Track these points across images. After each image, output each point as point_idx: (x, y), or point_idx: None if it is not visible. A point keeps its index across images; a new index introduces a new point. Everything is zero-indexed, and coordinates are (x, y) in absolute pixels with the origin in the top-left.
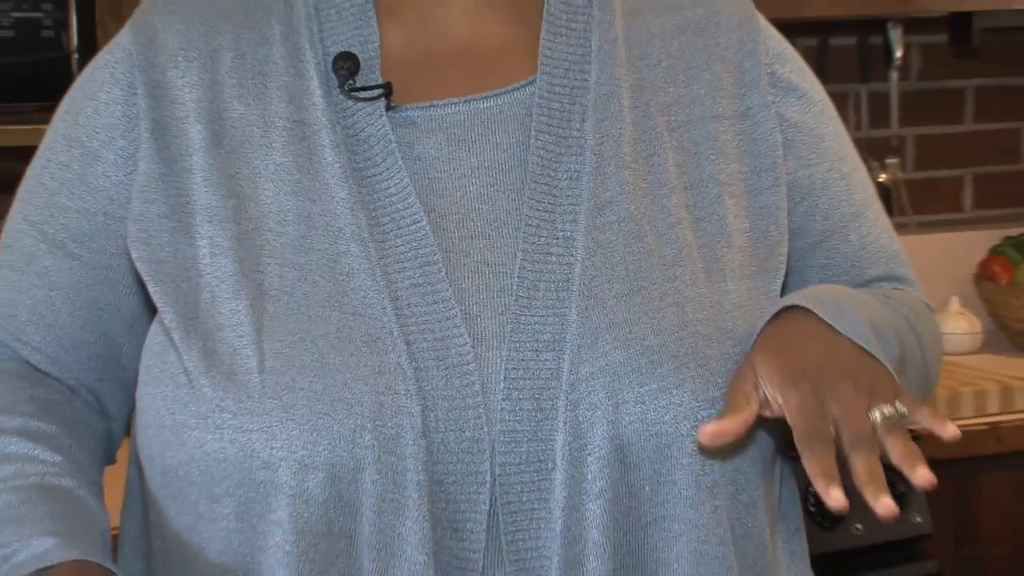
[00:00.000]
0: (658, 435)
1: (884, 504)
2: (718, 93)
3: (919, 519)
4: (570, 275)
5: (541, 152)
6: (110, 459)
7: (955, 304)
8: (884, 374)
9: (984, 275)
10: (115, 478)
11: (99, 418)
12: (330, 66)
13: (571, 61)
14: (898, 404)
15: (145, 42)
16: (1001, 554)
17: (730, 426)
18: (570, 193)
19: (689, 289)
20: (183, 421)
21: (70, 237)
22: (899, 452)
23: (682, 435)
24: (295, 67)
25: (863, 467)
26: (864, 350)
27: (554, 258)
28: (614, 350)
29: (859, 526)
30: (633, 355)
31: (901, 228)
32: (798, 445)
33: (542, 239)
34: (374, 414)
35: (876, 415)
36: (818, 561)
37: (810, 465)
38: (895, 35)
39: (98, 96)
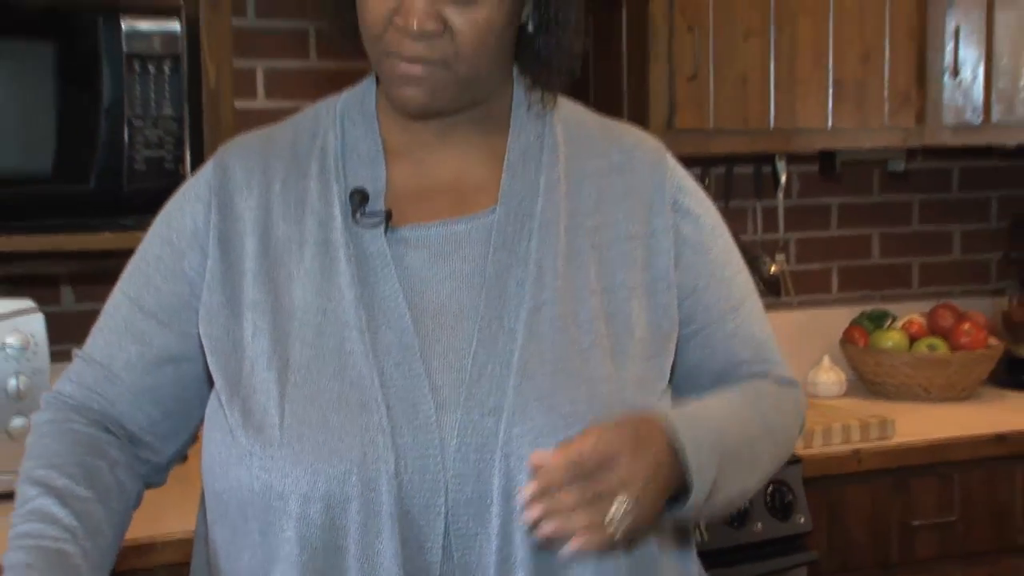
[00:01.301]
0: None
1: (541, 531)
2: (632, 218)
3: (802, 520)
4: (511, 359)
5: (496, 264)
6: (138, 503)
7: (826, 361)
8: (661, 491)
9: (847, 340)
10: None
11: (136, 478)
12: (348, 198)
13: (523, 195)
14: (627, 509)
15: (220, 174)
16: (862, 546)
17: (552, 458)
18: (516, 295)
19: (599, 370)
20: (226, 460)
21: (160, 310)
22: (580, 522)
23: None
24: (325, 197)
25: (568, 498)
26: (680, 469)
27: (500, 345)
28: (539, 415)
29: (759, 525)
30: (553, 419)
31: (786, 305)
32: (556, 452)
33: (492, 331)
34: (360, 461)
35: (619, 497)
36: (728, 552)
37: (541, 480)
38: (781, 166)
39: (185, 209)
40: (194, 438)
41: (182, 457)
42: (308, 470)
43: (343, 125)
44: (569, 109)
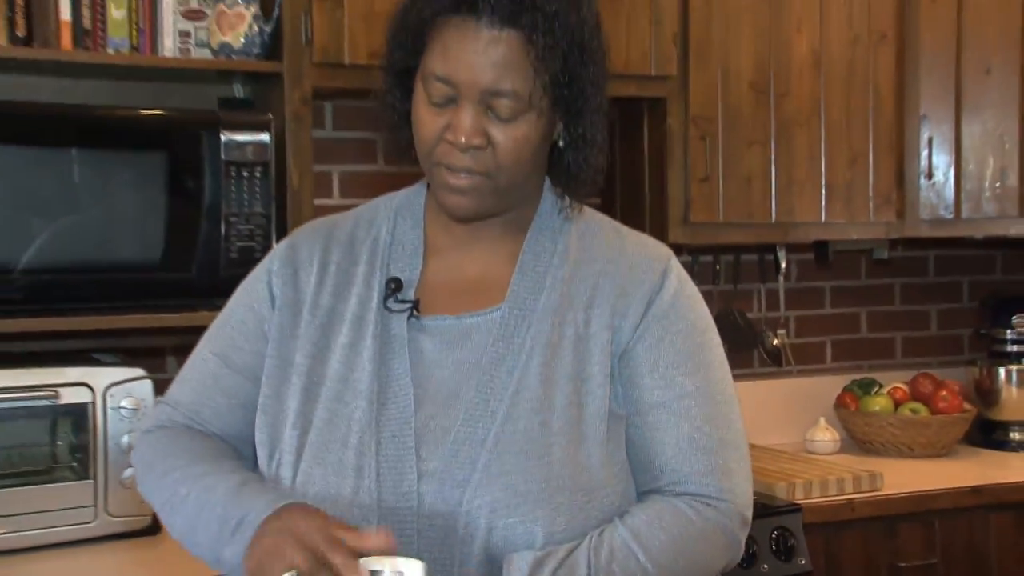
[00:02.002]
0: (514, 552)
1: None
2: (614, 313)
3: (803, 562)
4: (486, 437)
5: (493, 353)
6: None
7: (822, 422)
8: None
9: (840, 404)
10: None
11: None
12: (384, 285)
13: (528, 292)
14: None
15: (290, 252)
16: None
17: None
18: (505, 381)
19: (560, 453)
20: None
21: (245, 366)
22: None
23: None
24: (368, 281)
25: None
26: None
27: (480, 426)
28: (497, 491)
29: (765, 566)
30: (507, 495)
31: (787, 374)
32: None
33: (477, 412)
34: (348, 519)
35: None
36: None
37: None
38: (781, 254)
39: (262, 279)
40: None
41: None
42: None
43: (396, 220)
44: (589, 217)
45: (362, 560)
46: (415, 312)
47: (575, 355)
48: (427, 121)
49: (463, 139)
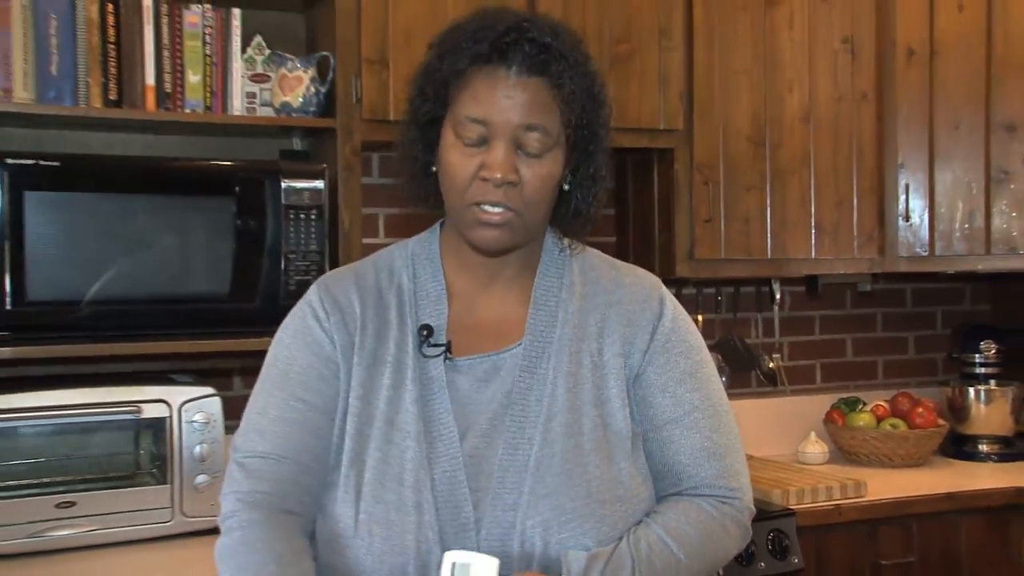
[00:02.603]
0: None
1: None
2: (623, 341)
3: (796, 560)
4: (528, 462)
5: (520, 385)
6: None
7: (812, 436)
8: None
9: (828, 420)
10: None
11: (310, 540)
12: (417, 331)
13: (544, 327)
14: None
15: (331, 299)
16: None
17: None
18: (536, 409)
19: (596, 470)
20: (320, 543)
21: (327, 406)
22: None
23: None
24: (401, 327)
25: None
26: None
27: (520, 452)
28: (546, 511)
29: (762, 564)
30: (556, 514)
31: (781, 393)
32: None
33: (515, 441)
34: (415, 553)
35: None
36: None
37: None
38: (776, 286)
39: (313, 327)
40: None
41: None
42: (376, 559)
43: (414, 268)
44: (587, 252)
45: (446, 554)
46: (448, 354)
47: (594, 382)
48: (460, 164)
49: (499, 175)
